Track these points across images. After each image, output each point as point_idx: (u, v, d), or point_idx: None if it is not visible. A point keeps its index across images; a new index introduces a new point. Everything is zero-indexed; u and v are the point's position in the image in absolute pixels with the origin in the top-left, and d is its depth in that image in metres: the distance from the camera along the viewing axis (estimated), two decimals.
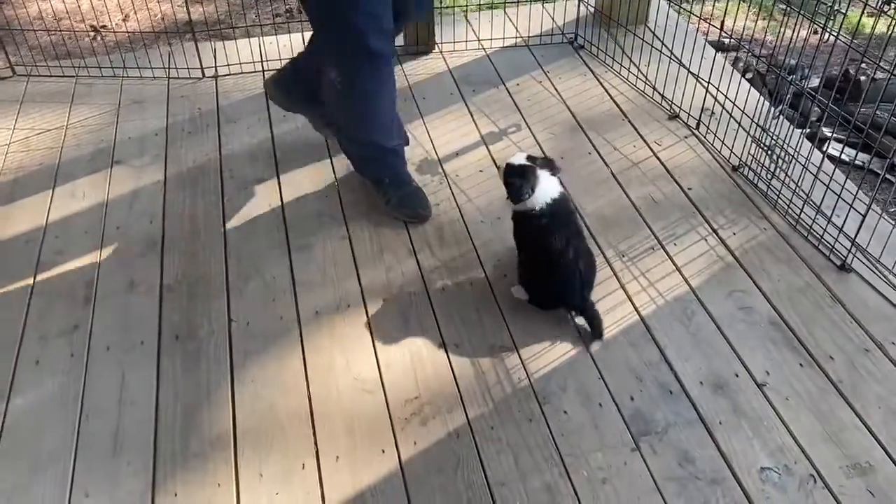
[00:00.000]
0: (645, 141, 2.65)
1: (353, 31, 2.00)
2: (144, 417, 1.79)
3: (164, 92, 2.93)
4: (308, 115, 2.55)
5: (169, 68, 3.04)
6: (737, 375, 1.87)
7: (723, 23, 2.77)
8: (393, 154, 2.37)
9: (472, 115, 2.80)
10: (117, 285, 2.13)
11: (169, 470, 1.69)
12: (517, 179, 1.93)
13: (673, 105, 2.78)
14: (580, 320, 2.00)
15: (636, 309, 2.04)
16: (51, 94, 2.93)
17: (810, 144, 2.30)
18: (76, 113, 2.82)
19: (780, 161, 2.35)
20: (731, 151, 2.53)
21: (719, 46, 3.37)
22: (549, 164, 2.00)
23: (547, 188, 1.94)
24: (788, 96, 2.39)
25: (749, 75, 3.30)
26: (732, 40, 3.58)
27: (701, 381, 1.86)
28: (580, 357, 1.92)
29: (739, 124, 2.52)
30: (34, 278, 2.15)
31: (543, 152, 2.60)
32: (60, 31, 3.55)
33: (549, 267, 1.95)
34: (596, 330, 1.95)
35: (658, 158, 2.57)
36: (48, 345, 1.97)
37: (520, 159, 1.98)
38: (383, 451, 1.72)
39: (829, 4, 2.09)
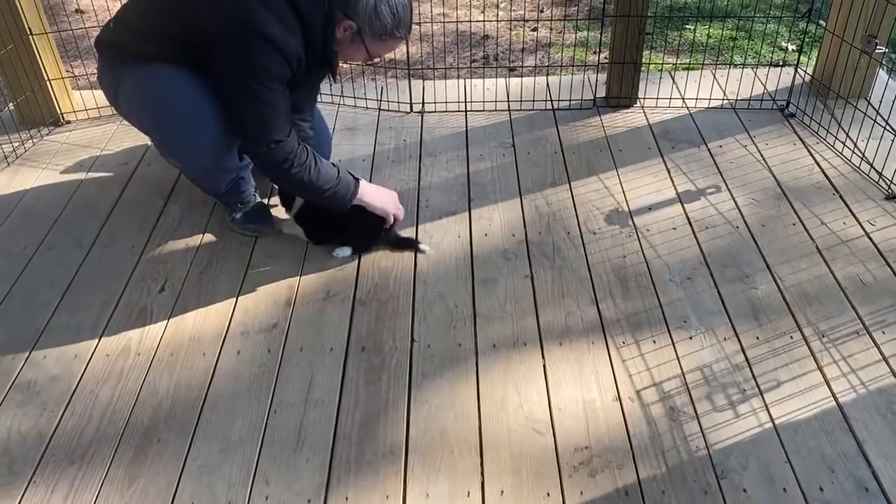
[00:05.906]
0: (857, 218, 2.49)
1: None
2: (326, 419, 1.90)
3: (374, 121, 3.14)
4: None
5: (380, 100, 3.25)
6: None
7: None
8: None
9: (668, 172, 2.76)
10: (315, 293, 2.28)
11: (343, 473, 1.77)
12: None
13: (892, 185, 2.59)
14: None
15: (833, 395, 1.90)
16: None
17: None
18: None
19: None
20: None
21: None
22: None
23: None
24: None
25: None
26: None
27: None
28: (766, 435, 1.81)
29: None
30: (243, 277, 2.36)
31: (743, 217, 2.51)
32: None
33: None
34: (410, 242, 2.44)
35: (870, 238, 2.40)
36: (249, 339, 2.14)
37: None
38: (548, 495, 1.71)
39: None
